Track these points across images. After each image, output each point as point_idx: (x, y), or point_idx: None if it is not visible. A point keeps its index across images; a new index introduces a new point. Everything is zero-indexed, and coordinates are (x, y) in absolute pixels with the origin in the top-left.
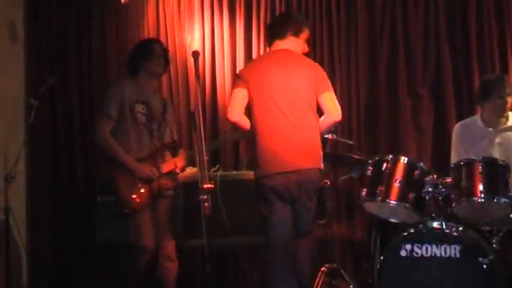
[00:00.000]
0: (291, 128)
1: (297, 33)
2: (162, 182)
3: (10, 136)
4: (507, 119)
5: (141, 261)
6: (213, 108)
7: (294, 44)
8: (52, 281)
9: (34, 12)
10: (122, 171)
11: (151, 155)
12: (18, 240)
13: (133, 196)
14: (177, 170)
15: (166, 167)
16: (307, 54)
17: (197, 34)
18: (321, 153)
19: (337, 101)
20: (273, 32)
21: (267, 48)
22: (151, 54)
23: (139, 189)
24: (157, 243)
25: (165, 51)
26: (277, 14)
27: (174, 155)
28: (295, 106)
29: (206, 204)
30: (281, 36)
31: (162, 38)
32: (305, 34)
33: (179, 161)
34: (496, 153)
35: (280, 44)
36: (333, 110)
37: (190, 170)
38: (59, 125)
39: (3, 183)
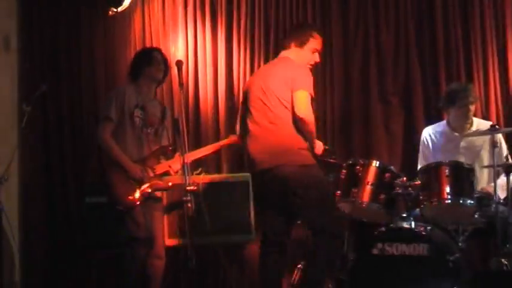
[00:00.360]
0: (260, 129)
1: (301, 44)
2: (154, 183)
3: (3, 140)
4: (471, 124)
5: (140, 252)
6: (196, 115)
7: (297, 54)
8: (44, 280)
9: (27, 23)
10: (118, 171)
11: (147, 157)
12: (11, 240)
13: (127, 194)
14: (172, 172)
15: (160, 169)
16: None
17: (181, 44)
18: (300, 148)
19: (308, 101)
20: (281, 43)
21: (247, 58)
22: (152, 60)
23: (133, 188)
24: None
25: (165, 59)
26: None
27: (171, 157)
28: (267, 107)
29: (189, 205)
30: (285, 46)
31: None
32: (312, 45)
33: (174, 163)
34: (462, 157)
35: (283, 54)
36: (298, 108)
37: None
38: (50, 129)
39: None
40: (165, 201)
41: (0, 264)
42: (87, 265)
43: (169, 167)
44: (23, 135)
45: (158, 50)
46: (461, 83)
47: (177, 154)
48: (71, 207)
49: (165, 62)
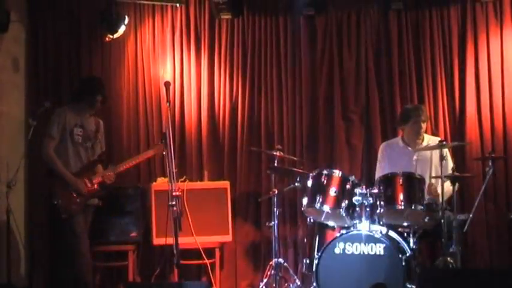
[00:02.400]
0: None
1: None
2: (91, 191)
3: (12, 149)
4: (423, 140)
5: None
6: (181, 130)
7: None
8: (47, 274)
9: (33, 48)
10: (61, 182)
11: (86, 168)
12: (18, 238)
13: (70, 203)
14: (107, 181)
15: (96, 180)
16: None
17: (169, 67)
18: None
19: None
20: None
21: (227, 79)
22: (95, 90)
23: (75, 198)
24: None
25: (104, 89)
26: None
27: (105, 166)
28: None
29: (175, 208)
30: None
31: (140, 70)
32: None
33: (107, 174)
34: (414, 169)
35: None
36: None
37: (161, 180)
38: None
39: (6, 189)
40: None
41: (8, 259)
42: None
43: (103, 177)
44: (29, 145)
45: (100, 80)
46: (415, 104)
47: (109, 165)
48: None
49: (103, 91)
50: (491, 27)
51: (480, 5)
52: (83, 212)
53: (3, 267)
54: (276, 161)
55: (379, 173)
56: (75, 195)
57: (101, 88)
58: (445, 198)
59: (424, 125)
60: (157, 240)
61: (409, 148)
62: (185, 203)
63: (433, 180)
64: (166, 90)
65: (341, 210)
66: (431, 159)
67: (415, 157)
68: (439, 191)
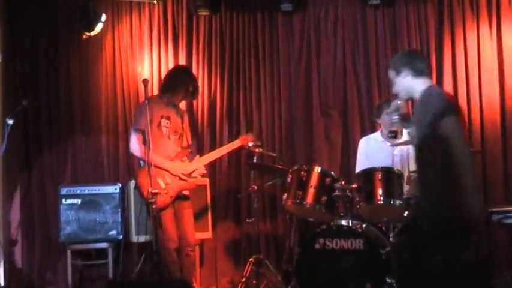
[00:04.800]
0: None
1: None
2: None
3: None
4: (401, 134)
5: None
6: None
7: None
8: (24, 272)
9: (10, 46)
10: (147, 175)
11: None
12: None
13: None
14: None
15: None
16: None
17: (147, 64)
18: None
19: None
20: None
21: (205, 76)
22: (188, 80)
23: (164, 189)
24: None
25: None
26: None
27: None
28: None
29: (154, 206)
30: None
31: (117, 68)
32: None
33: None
34: (393, 164)
35: None
36: None
37: None
38: (30, 140)
39: None
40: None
41: None
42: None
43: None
44: (6, 145)
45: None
46: (388, 98)
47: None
48: (48, 208)
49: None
50: (468, 23)
51: (457, 0)
52: (173, 207)
53: None
54: (255, 158)
55: (358, 168)
56: (166, 185)
57: (193, 78)
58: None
59: None
60: (136, 238)
61: (388, 143)
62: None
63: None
64: (145, 87)
65: (320, 205)
66: (410, 153)
67: (395, 152)
68: None
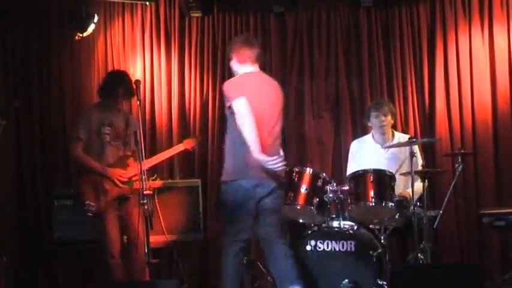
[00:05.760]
0: None
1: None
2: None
3: None
4: (392, 137)
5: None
6: (152, 127)
7: None
8: (17, 272)
9: (2, 47)
10: (89, 180)
11: (116, 165)
12: None
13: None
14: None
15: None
16: None
17: (139, 65)
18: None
19: None
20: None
21: (197, 77)
22: (115, 83)
23: (104, 196)
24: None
25: (124, 80)
26: None
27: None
28: None
29: (146, 207)
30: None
31: (110, 68)
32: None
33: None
34: (385, 166)
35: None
36: None
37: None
38: (23, 140)
39: None
40: None
41: None
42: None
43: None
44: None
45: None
46: (377, 100)
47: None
48: (41, 209)
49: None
50: (460, 25)
51: (449, 2)
52: (116, 210)
53: None
54: None
55: (349, 170)
56: (104, 191)
57: (121, 79)
58: (416, 197)
59: (385, 119)
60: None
61: (379, 145)
62: (156, 202)
63: (400, 189)
64: (136, 88)
65: (312, 207)
66: (401, 156)
67: (386, 154)
68: (408, 191)
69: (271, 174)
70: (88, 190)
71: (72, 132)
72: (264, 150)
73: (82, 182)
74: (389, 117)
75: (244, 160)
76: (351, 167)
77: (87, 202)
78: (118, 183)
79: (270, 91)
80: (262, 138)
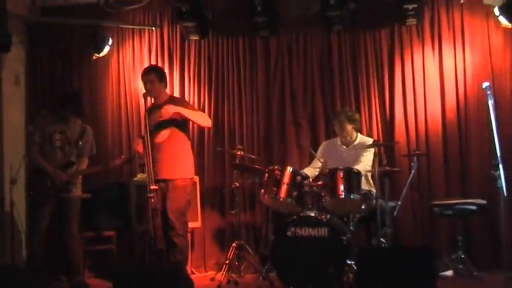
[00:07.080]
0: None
1: None
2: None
3: (14, 152)
4: (355, 139)
5: None
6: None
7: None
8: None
9: (32, 65)
10: (39, 176)
11: (59, 168)
12: (20, 227)
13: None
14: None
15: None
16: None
17: None
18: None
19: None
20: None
21: (195, 90)
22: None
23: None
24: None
25: (75, 101)
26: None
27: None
28: None
29: (152, 200)
30: None
31: (122, 84)
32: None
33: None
34: (347, 163)
35: None
36: None
37: (141, 176)
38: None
39: (9, 185)
40: None
41: (12, 244)
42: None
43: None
44: (27, 148)
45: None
46: (340, 110)
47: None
48: None
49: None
50: (415, 46)
51: (405, 27)
52: (53, 204)
53: (8, 251)
54: (237, 159)
55: (315, 162)
56: (47, 187)
57: (69, 99)
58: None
59: (346, 125)
60: (136, 227)
61: (344, 146)
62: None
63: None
64: (144, 100)
65: (292, 199)
66: (358, 153)
67: (347, 153)
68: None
69: None
70: (35, 183)
71: (31, 137)
72: None
73: (33, 176)
74: (346, 124)
75: None
76: (315, 161)
77: (31, 192)
78: (58, 182)
79: None
80: None
